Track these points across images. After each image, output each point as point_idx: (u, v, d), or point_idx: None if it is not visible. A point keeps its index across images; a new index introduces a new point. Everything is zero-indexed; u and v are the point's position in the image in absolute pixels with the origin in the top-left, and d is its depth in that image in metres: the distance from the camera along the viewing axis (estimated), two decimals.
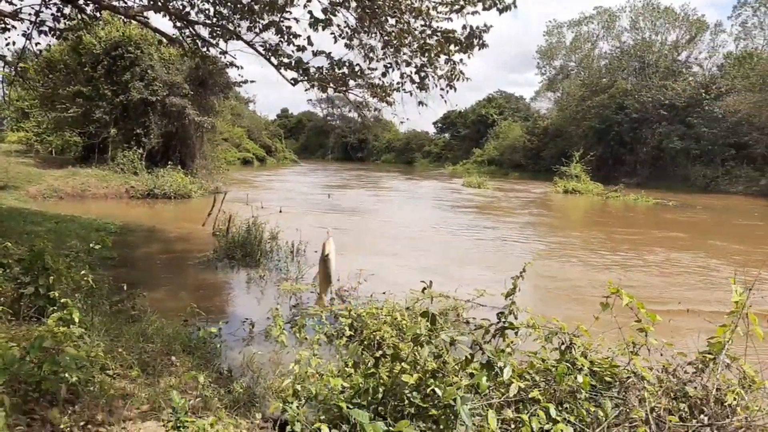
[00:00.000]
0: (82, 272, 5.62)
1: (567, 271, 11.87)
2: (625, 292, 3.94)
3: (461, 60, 6.14)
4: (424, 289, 4.22)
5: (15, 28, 9.65)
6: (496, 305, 8.51)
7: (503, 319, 4.10)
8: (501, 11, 5.69)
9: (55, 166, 23.40)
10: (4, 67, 8.73)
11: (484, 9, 5.66)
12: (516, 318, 4.10)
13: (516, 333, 4.05)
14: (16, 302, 5.22)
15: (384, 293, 8.51)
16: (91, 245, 5.80)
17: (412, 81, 6.59)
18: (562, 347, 4.12)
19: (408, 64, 6.55)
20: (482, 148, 68.69)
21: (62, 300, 4.76)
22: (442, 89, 6.38)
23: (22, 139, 33.52)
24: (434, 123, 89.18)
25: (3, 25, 9.58)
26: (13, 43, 9.29)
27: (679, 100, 45.25)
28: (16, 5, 8.65)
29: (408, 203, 27.43)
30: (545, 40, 62.77)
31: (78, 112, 22.75)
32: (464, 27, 5.85)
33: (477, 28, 6.01)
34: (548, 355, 4.13)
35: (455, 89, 6.35)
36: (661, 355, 4.09)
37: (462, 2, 5.56)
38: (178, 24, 8.60)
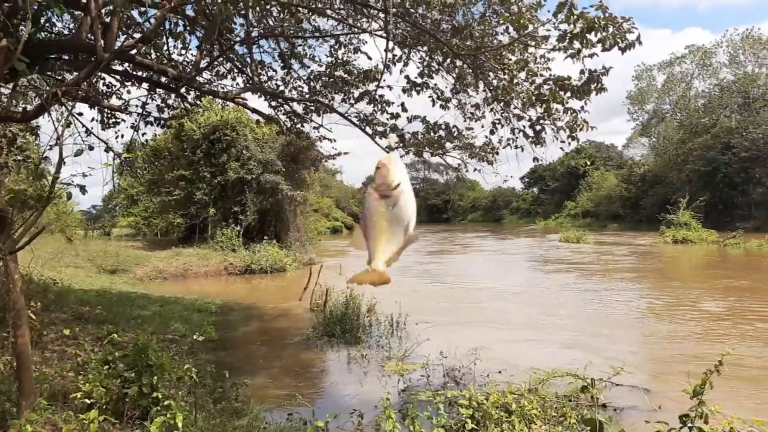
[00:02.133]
0: (186, 366, 5.29)
1: (742, 349, 9.30)
2: None
3: (582, 107, 5.49)
4: (584, 388, 3.39)
5: (124, 121, 10.18)
6: (636, 385, 7.44)
7: (689, 424, 3.20)
8: (623, 50, 5.02)
9: (159, 247, 24.66)
10: (114, 159, 9.04)
11: (604, 50, 5.01)
12: (707, 423, 3.19)
13: None
14: (120, 401, 4.95)
15: (500, 372, 7.64)
16: (195, 337, 5.50)
17: (526, 136, 6.00)
18: None
19: (520, 118, 5.99)
20: (575, 201, 66.20)
21: (165, 402, 4.41)
22: (562, 141, 5.73)
23: (131, 223, 36.11)
24: (521, 178, 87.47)
25: (114, 120, 10.13)
26: (122, 135, 9.74)
27: None
28: (124, 99, 9.08)
29: (507, 265, 26.12)
30: (635, 84, 60.63)
31: (181, 195, 24.08)
32: (582, 72, 5.23)
33: (595, 71, 5.37)
34: None
35: (578, 140, 5.69)
36: None
37: (578, 45, 4.94)
38: (274, 103, 8.64)
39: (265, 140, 24.93)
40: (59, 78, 7.86)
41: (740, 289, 16.03)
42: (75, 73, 6.63)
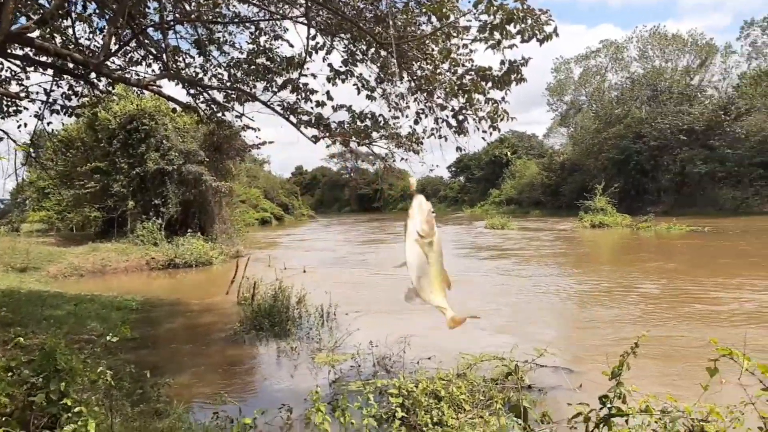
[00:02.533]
0: (99, 369, 4.98)
1: (665, 329, 9.76)
2: (740, 352, 3.21)
3: (503, 98, 5.61)
4: (508, 374, 3.48)
5: (27, 109, 9.42)
6: (558, 365, 7.76)
7: (608, 404, 3.35)
8: (541, 42, 5.16)
9: (75, 243, 23.24)
10: (15, 150, 8.37)
11: (523, 41, 5.12)
12: (625, 402, 3.35)
13: (626, 421, 3.28)
14: (27, 409, 4.59)
15: (429, 358, 7.74)
16: (108, 338, 5.18)
17: (449, 125, 6.07)
18: None
19: (443, 108, 6.05)
20: (499, 189, 68.44)
21: (76, 408, 4.14)
22: (484, 131, 5.84)
23: (43, 218, 33.74)
24: (448, 167, 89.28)
25: (15, 108, 9.35)
26: (25, 124, 9.02)
27: (698, 124, 44.55)
28: (24, 86, 8.41)
29: None
30: (554, 76, 63.34)
31: (96, 188, 22.77)
32: (502, 62, 5.34)
33: (515, 62, 5.49)
34: None
35: (499, 130, 5.82)
36: None
37: (499, 36, 5.03)
38: (192, 91, 8.27)
39: (186, 130, 23.96)
40: None
41: (670, 271, 16.79)
42: None
